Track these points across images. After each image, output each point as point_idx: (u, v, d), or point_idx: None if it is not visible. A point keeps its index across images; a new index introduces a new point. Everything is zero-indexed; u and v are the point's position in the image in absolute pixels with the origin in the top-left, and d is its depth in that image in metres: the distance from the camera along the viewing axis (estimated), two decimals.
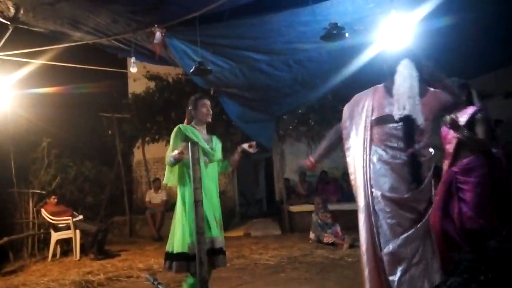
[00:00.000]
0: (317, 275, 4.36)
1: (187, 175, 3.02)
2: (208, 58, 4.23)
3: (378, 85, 2.58)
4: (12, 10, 3.73)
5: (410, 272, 2.27)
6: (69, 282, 4.67)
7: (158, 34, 3.83)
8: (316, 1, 3.64)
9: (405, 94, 2.34)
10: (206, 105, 3.21)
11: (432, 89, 2.51)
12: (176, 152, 2.90)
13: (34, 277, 5.18)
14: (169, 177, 3.17)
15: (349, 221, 7.41)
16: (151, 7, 3.61)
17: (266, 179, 12.18)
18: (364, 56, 4.16)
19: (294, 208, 8.02)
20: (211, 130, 3.43)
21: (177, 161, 2.96)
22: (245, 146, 3.23)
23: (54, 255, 6.38)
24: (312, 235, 6.42)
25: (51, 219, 6.44)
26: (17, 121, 6.52)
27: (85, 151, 8.87)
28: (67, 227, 6.41)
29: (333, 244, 5.91)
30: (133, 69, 4.52)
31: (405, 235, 2.29)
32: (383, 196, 2.32)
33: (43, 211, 6.53)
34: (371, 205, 2.35)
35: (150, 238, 7.87)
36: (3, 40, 4.32)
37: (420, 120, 2.33)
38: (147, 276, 3.63)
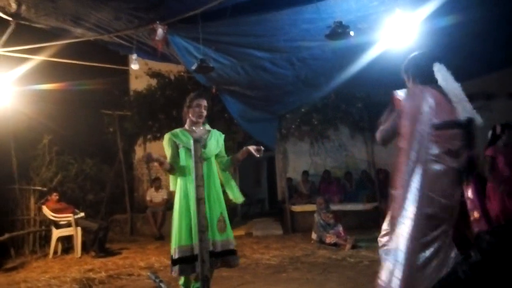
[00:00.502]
0: (319, 276, 4.33)
1: (180, 178, 3.07)
2: (210, 55, 4.20)
3: (429, 87, 2.37)
4: (14, 6, 3.71)
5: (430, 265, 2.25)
6: (70, 279, 4.66)
7: (160, 31, 3.81)
8: None
9: (462, 96, 2.31)
10: (200, 105, 3.13)
11: None
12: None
13: (35, 273, 5.17)
14: (173, 183, 3.20)
15: (351, 221, 7.43)
16: (153, 4, 3.59)
17: (268, 178, 12.16)
18: (368, 55, 4.13)
19: (296, 208, 7.99)
20: (213, 128, 3.36)
21: (169, 170, 3.05)
22: (252, 149, 3.09)
23: (55, 252, 6.37)
24: (314, 235, 6.39)
25: (52, 216, 6.43)
26: (18, 117, 6.51)
27: (86, 149, 8.86)
28: (68, 224, 6.40)
29: (335, 244, 5.88)
30: (134, 66, 4.50)
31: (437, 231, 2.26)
32: (435, 198, 2.24)
33: (44, 208, 6.52)
34: (420, 204, 2.23)
35: (151, 237, 7.86)
36: (5, 36, 4.30)
37: (479, 121, 2.29)
38: (149, 274, 3.62)
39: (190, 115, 3.15)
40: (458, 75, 3.34)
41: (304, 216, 7.64)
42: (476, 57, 4.75)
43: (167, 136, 3.13)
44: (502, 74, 6.38)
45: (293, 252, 5.67)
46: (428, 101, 2.31)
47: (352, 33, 3.53)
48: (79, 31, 4.17)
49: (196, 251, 2.80)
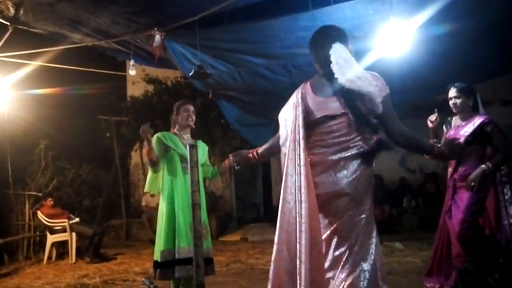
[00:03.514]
0: None
1: (166, 182, 3.16)
2: (207, 62, 4.23)
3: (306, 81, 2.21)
4: (12, 10, 3.73)
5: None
6: (64, 285, 4.64)
7: (157, 37, 3.84)
8: (316, 6, 3.65)
9: (356, 79, 1.98)
10: (188, 110, 3.25)
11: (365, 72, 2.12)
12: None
13: (29, 279, 5.15)
14: (151, 185, 3.27)
15: None
16: (150, 9, 3.62)
17: (263, 183, 12.17)
18: (363, 63, 4.16)
19: None
20: (210, 134, 3.48)
21: (153, 162, 3.07)
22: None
23: (49, 257, 6.34)
24: None
25: (47, 221, 6.40)
26: (14, 122, 6.50)
27: (82, 154, 8.86)
28: (63, 230, 6.38)
29: None
30: (132, 72, 4.53)
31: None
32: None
33: (39, 213, 6.50)
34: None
35: (146, 242, 7.82)
36: (2, 41, 4.31)
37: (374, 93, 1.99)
38: (143, 279, 3.62)
39: (179, 121, 3.25)
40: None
41: None
42: (471, 65, 4.79)
43: (158, 136, 3.17)
44: (496, 82, 6.46)
45: None
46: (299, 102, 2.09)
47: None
48: (77, 36, 4.19)
49: (178, 255, 2.98)
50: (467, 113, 3.25)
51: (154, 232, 8.35)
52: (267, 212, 11.55)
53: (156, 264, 3.08)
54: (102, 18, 3.75)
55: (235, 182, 10.36)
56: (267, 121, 6.46)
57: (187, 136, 3.29)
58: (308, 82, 2.18)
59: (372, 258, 2.00)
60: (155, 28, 3.81)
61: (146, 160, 3.20)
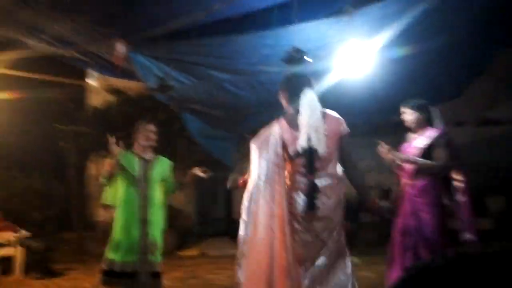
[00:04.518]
0: None
1: (114, 197, 3.25)
2: (171, 75, 4.19)
3: (280, 117, 2.56)
4: None
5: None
6: None
7: (121, 48, 3.76)
8: (280, 26, 3.72)
9: (314, 126, 2.36)
10: (147, 130, 3.26)
11: (329, 112, 2.52)
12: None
13: None
14: (109, 196, 3.41)
15: None
16: (115, 19, 3.55)
17: (225, 197, 12.08)
18: (325, 83, 4.26)
19: None
20: (173, 146, 3.47)
21: (110, 175, 3.11)
22: (197, 171, 3.24)
23: None
24: None
25: None
26: None
27: (34, 163, 8.43)
28: (9, 244, 6.01)
29: None
30: (92, 82, 4.40)
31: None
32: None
33: None
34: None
35: (101, 256, 7.51)
36: None
37: (322, 149, 2.34)
38: None
39: (139, 140, 3.25)
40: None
41: None
42: (430, 86, 5.01)
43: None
44: (453, 104, 6.82)
45: None
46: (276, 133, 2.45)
47: (309, 59, 3.63)
48: (35, 43, 4.01)
49: (109, 266, 3.21)
50: (418, 127, 3.37)
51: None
52: (228, 227, 11.44)
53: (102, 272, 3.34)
54: (64, 27, 3.62)
55: (196, 197, 10.22)
56: (230, 135, 6.46)
57: (148, 154, 3.24)
58: (282, 118, 2.52)
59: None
60: (119, 39, 3.73)
61: (104, 170, 3.15)
